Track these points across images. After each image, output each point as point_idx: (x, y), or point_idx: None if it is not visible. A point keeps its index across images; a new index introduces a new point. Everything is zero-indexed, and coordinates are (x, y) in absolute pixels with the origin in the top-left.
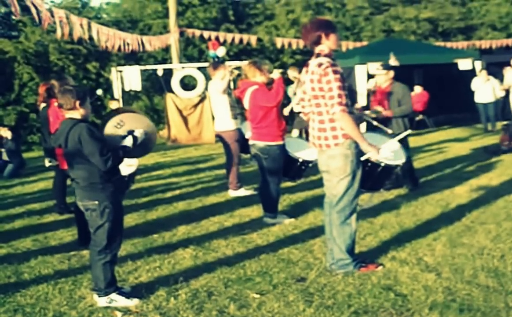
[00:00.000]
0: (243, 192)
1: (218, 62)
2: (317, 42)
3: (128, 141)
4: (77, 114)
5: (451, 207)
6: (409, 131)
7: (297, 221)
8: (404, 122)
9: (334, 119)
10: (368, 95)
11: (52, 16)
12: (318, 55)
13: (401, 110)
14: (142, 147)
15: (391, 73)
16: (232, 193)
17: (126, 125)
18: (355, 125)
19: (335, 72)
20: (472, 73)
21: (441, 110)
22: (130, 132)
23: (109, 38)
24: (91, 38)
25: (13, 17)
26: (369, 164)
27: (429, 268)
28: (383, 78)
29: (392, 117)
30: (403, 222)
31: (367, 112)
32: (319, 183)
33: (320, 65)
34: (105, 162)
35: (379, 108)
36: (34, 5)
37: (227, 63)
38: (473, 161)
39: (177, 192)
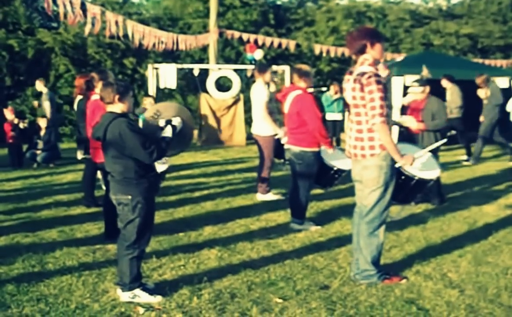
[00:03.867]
0: (271, 196)
1: (264, 66)
2: (362, 51)
3: (168, 132)
4: (117, 108)
5: (478, 225)
6: (442, 141)
7: (324, 228)
8: (436, 136)
9: (372, 130)
10: (403, 109)
11: (85, 11)
12: (362, 64)
13: (434, 124)
14: (181, 136)
15: (427, 88)
16: (260, 197)
17: (162, 115)
18: (392, 138)
19: (378, 82)
20: (508, 91)
21: (473, 127)
22: (168, 122)
23: (145, 36)
24: (126, 35)
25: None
26: (403, 177)
27: (452, 284)
28: (419, 95)
29: (425, 131)
30: (429, 236)
31: (398, 120)
32: (347, 192)
33: (363, 74)
34: (150, 155)
35: (407, 119)
36: (70, 1)
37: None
38: (503, 180)
39: (205, 192)
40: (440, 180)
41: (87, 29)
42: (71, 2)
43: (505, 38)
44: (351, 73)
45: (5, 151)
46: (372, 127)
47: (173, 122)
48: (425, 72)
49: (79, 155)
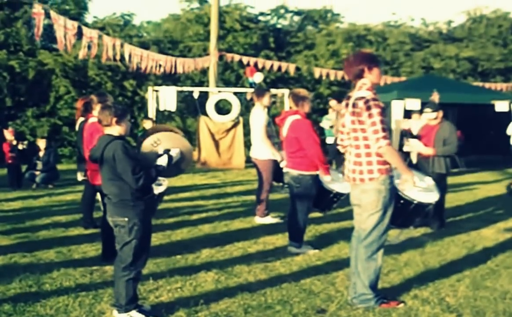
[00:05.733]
0: (269, 219)
1: (262, 90)
2: (360, 75)
3: (163, 161)
4: (114, 131)
5: (476, 249)
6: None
7: (321, 252)
8: (446, 162)
9: (371, 154)
10: (402, 134)
11: (81, 36)
12: (360, 88)
13: (444, 150)
14: (177, 167)
15: (440, 113)
16: (258, 220)
17: (162, 144)
18: (401, 157)
19: (376, 106)
20: (508, 115)
21: (473, 151)
22: (166, 151)
23: (142, 59)
24: (124, 58)
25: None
26: (402, 201)
27: (450, 308)
28: (432, 121)
29: (435, 156)
30: (427, 261)
31: (406, 144)
32: (345, 216)
33: (361, 99)
34: (136, 181)
35: (414, 143)
36: (65, 26)
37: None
38: (502, 204)
39: (203, 214)
40: (444, 205)
41: (81, 53)
42: (65, 27)
43: (506, 62)
44: (349, 98)
45: (4, 172)
46: (378, 151)
47: (171, 153)
48: (435, 96)
49: (79, 176)
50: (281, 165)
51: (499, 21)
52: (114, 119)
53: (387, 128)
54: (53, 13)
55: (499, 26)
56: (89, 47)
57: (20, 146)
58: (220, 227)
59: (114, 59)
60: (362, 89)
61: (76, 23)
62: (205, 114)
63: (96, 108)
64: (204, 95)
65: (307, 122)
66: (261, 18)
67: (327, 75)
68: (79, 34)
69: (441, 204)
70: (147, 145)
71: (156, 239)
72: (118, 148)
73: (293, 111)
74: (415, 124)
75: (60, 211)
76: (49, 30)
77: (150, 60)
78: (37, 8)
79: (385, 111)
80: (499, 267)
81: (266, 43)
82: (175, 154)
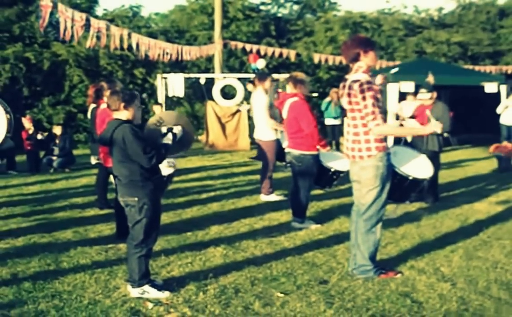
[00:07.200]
0: (274, 197)
1: (264, 75)
2: (356, 58)
3: (168, 139)
4: (123, 115)
5: (469, 222)
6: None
7: (323, 227)
8: (438, 140)
9: (368, 132)
10: (397, 118)
11: (89, 26)
12: (356, 71)
13: None
14: (181, 143)
15: (435, 94)
16: (263, 197)
17: (165, 123)
18: (395, 128)
19: (369, 89)
20: (496, 96)
21: (465, 130)
22: (169, 129)
23: (150, 47)
24: (132, 48)
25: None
26: (398, 177)
27: (445, 278)
28: (427, 101)
29: (428, 134)
30: (423, 233)
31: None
32: (346, 192)
33: (356, 82)
34: (149, 160)
35: (410, 123)
36: (72, 19)
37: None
38: (493, 179)
39: (212, 193)
40: (437, 180)
41: (89, 42)
42: (73, 19)
43: (494, 46)
44: (345, 81)
45: (23, 158)
46: (370, 133)
47: (174, 130)
48: (430, 78)
49: (93, 160)
50: (283, 145)
51: (487, 7)
52: (122, 104)
53: (381, 110)
54: (60, 6)
55: (487, 12)
56: (98, 37)
57: (39, 136)
58: (227, 205)
59: (122, 48)
60: (358, 72)
61: (84, 15)
62: (212, 99)
63: (107, 94)
64: (210, 81)
65: (305, 104)
66: (262, 7)
67: (326, 61)
68: (88, 26)
69: (435, 180)
70: (151, 125)
71: (167, 217)
72: (127, 131)
73: (292, 94)
74: (407, 106)
75: (76, 193)
76: None
77: (158, 48)
78: (45, 1)
79: (379, 94)
80: (491, 238)
81: (267, 31)
82: (178, 131)
